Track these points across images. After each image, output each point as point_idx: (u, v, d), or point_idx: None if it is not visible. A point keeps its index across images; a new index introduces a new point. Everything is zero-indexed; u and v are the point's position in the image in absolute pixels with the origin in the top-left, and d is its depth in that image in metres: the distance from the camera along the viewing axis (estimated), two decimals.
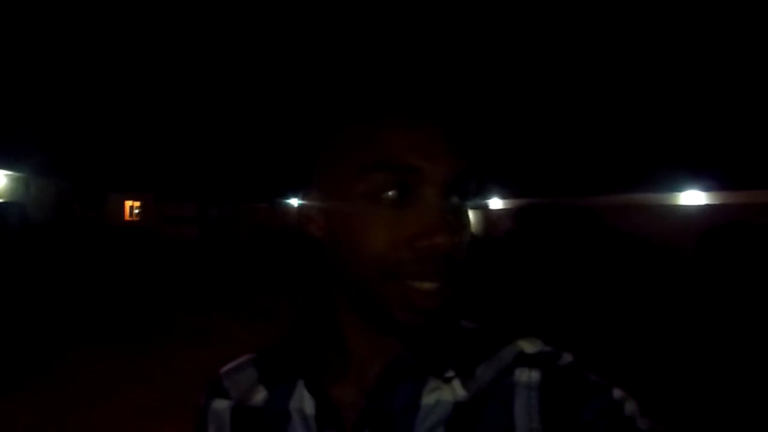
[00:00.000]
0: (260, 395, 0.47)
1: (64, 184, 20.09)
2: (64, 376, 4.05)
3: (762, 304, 6.18)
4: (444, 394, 0.42)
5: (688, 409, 3.32)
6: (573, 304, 6.82)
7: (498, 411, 0.40)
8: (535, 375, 0.41)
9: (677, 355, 4.57)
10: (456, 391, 0.42)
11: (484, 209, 18.65)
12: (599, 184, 14.26)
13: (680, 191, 13.84)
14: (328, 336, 0.47)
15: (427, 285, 0.38)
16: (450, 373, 0.43)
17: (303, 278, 6.54)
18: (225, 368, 0.52)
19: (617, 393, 0.39)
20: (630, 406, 0.38)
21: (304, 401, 0.44)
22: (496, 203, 19.14)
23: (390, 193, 0.38)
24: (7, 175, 17.23)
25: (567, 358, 0.43)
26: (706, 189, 13.47)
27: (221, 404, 0.49)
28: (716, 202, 13.03)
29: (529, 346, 0.44)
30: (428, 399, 0.41)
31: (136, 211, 24.01)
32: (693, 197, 13.66)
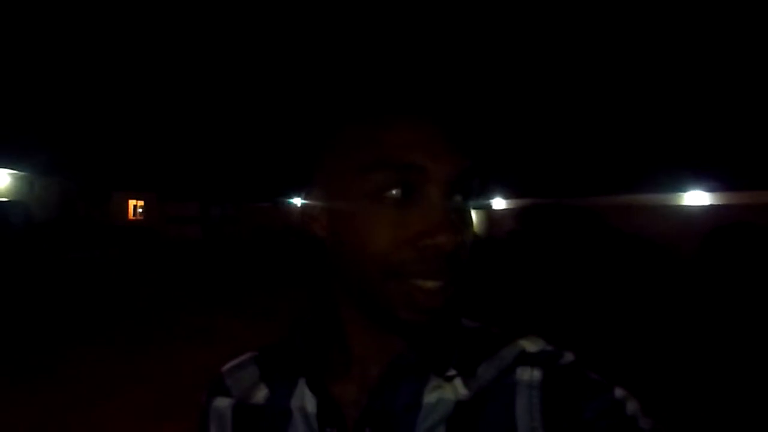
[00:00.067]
0: (262, 393, 0.47)
1: (68, 183, 20.18)
2: (64, 376, 4.05)
3: (765, 304, 6.16)
4: (446, 392, 0.42)
5: (688, 409, 3.30)
6: (575, 303, 6.81)
7: (499, 410, 0.40)
8: (536, 374, 0.41)
9: (680, 354, 4.56)
10: (457, 389, 0.42)
11: (488, 209, 18.63)
12: (602, 185, 14.23)
13: (684, 192, 13.81)
14: (330, 334, 0.47)
15: (431, 284, 0.38)
16: (452, 372, 0.43)
17: (306, 277, 6.55)
18: (227, 366, 0.52)
19: (619, 392, 0.39)
20: (632, 406, 0.38)
21: (305, 399, 0.44)
22: (499, 203, 19.13)
23: (393, 192, 0.38)
24: (11, 174, 17.32)
25: (569, 357, 0.43)
26: (709, 189, 13.43)
27: (223, 402, 0.49)
28: (720, 203, 12.98)
29: (530, 345, 0.44)
30: (430, 397, 0.41)
31: (140, 210, 24.09)
32: (696, 198, 13.62)
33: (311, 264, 0.49)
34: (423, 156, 0.38)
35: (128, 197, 23.51)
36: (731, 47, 13.49)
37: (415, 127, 0.40)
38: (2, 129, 15.18)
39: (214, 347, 4.78)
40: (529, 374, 0.41)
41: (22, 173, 17.67)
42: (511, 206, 18.14)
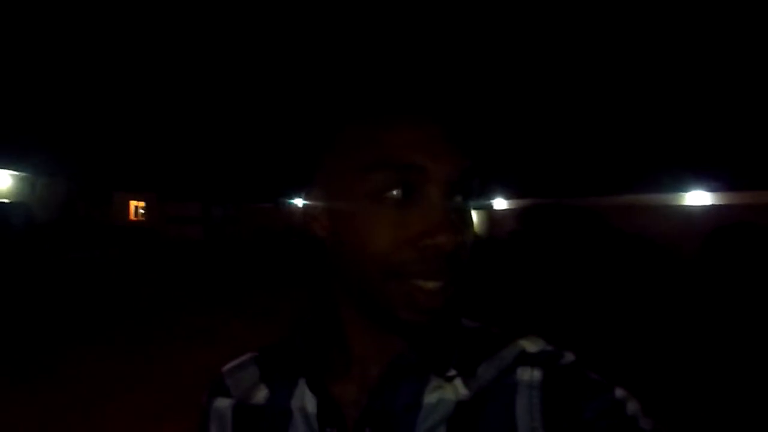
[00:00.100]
0: (262, 393, 0.47)
1: (69, 183, 20.22)
2: (64, 376, 4.05)
3: (766, 304, 6.15)
4: (446, 393, 0.41)
5: (689, 409, 3.30)
6: (576, 303, 6.80)
7: (499, 410, 0.40)
8: (536, 374, 0.41)
9: (681, 354, 4.55)
10: (458, 390, 0.42)
11: (488, 209, 18.64)
12: (603, 185, 14.22)
13: (685, 192, 13.79)
14: (330, 334, 0.47)
15: (431, 284, 0.38)
16: (452, 372, 0.43)
17: (306, 278, 6.55)
18: (227, 366, 0.52)
19: (619, 392, 0.39)
20: (632, 406, 0.38)
21: (305, 399, 0.44)
22: (500, 203, 19.13)
23: (393, 192, 0.38)
24: (12, 175, 17.36)
25: (569, 357, 0.43)
26: (711, 189, 13.42)
27: (223, 403, 0.49)
28: (721, 203, 12.97)
29: (530, 345, 0.44)
30: (430, 398, 0.41)
31: (141, 210, 24.12)
32: (698, 198, 13.61)
33: (312, 264, 0.49)
34: (423, 156, 0.38)
35: (129, 197, 23.55)
36: (732, 47, 13.47)
37: (415, 127, 0.40)
38: (3, 130, 15.23)
39: (215, 347, 4.78)
40: (529, 374, 0.41)
41: (24, 174, 17.71)
42: (512, 206, 18.14)
